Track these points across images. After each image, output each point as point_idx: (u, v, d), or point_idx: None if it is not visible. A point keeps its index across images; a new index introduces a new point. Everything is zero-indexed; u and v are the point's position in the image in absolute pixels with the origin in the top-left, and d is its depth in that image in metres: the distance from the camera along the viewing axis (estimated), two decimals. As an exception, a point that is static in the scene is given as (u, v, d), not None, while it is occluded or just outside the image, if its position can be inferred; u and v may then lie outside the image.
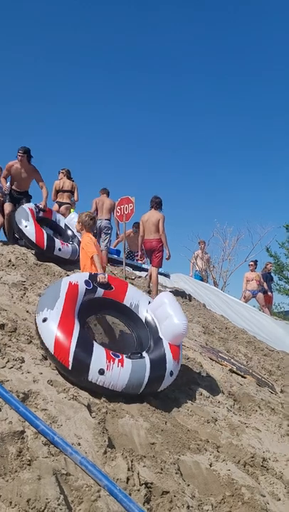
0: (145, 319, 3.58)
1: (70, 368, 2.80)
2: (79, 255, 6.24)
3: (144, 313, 3.61)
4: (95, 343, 3.03)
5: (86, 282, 3.39)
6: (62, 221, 6.77)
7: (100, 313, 3.51)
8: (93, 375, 2.82)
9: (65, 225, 6.68)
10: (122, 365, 2.94)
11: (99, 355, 2.90)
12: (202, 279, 11.11)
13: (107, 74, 48.78)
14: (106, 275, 3.62)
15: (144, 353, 3.23)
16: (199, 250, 11.44)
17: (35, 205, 6.33)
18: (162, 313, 3.51)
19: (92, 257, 3.95)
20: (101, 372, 2.83)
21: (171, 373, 3.24)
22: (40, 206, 6.36)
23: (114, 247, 9.22)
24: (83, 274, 3.53)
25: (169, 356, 3.27)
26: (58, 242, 6.11)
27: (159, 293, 6.27)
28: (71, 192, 7.78)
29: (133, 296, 3.68)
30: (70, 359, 2.80)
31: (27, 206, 6.16)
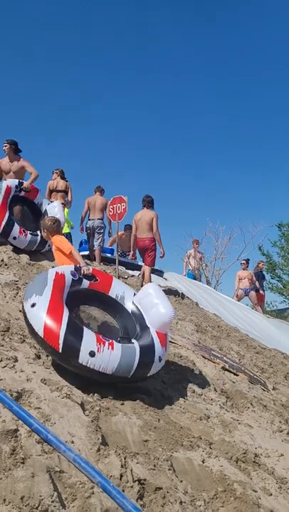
0: (131, 310, 3.60)
1: (60, 350, 2.79)
2: (37, 247, 6.12)
3: (130, 304, 3.63)
4: (84, 327, 3.04)
5: (72, 273, 3.39)
6: (45, 206, 6.34)
7: (86, 304, 3.52)
8: (84, 358, 2.82)
9: (45, 210, 6.20)
10: (112, 348, 2.95)
11: (89, 337, 2.91)
12: (195, 278, 11.16)
13: (106, 74, 48.60)
14: (90, 267, 3.64)
15: (133, 340, 3.26)
16: (192, 249, 11.49)
17: (19, 182, 6.05)
18: (148, 302, 3.54)
19: (70, 253, 3.91)
20: (92, 354, 2.83)
21: (160, 359, 3.28)
22: (24, 185, 6.03)
23: (110, 245, 9.21)
24: (68, 266, 3.53)
25: (157, 342, 3.30)
26: (16, 230, 5.73)
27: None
28: (65, 192, 7.76)
29: (118, 288, 3.69)
30: (61, 342, 2.79)
31: (6, 183, 5.86)
